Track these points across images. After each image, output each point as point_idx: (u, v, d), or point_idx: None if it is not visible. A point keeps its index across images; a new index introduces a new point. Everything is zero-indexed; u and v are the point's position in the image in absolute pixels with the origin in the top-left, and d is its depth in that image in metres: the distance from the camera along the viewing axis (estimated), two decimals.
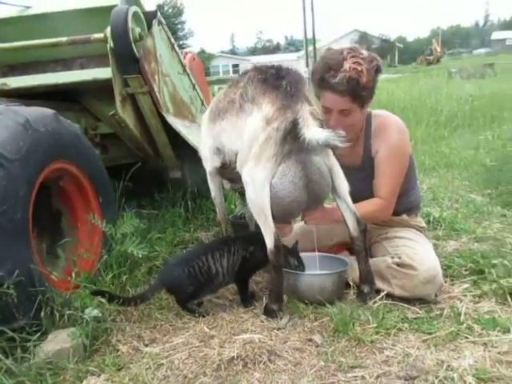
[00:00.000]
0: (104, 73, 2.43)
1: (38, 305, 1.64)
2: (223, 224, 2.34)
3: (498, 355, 1.46)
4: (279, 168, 1.73)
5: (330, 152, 1.83)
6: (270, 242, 1.78)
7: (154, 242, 2.55)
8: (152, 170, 3.12)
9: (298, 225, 2.31)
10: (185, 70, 2.98)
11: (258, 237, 1.94)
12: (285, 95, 1.72)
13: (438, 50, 39.43)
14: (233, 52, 73.32)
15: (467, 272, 2.04)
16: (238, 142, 1.85)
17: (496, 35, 57.79)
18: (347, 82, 1.86)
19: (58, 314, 1.69)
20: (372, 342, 1.59)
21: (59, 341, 1.59)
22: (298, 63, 34.76)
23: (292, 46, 76.06)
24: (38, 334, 1.61)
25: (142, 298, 1.84)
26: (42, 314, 1.64)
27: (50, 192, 2.19)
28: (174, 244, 2.65)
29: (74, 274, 1.85)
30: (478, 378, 1.37)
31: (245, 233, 2.20)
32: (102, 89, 2.49)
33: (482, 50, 48.91)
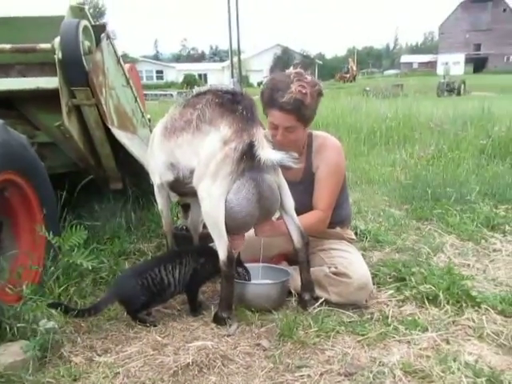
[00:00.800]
0: (49, 82, 2.40)
1: None
2: (169, 236, 2.42)
3: (420, 351, 1.72)
4: (234, 185, 1.87)
5: (279, 171, 2.02)
6: (222, 254, 1.90)
7: (99, 253, 2.56)
8: (92, 180, 3.10)
9: None
10: (128, 83, 3.02)
11: (208, 250, 2.07)
12: (241, 119, 1.88)
13: (354, 68, 41.97)
14: (156, 57, 72.03)
15: (391, 279, 2.32)
16: (193, 159, 1.96)
17: (404, 58, 62.89)
18: (293, 102, 2.06)
19: (8, 327, 1.67)
20: (314, 344, 1.78)
21: (11, 353, 1.59)
22: (222, 73, 35.18)
23: (217, 55, 76.53)
24: None
25: (96, 309, 1.87)
26: None
27: None
28: (118, 255, 2.67)
29: (24, 285, 1.83)
30: (404, 371, 1.60)
31: (196, 246, 2.30)
32: (43, 98, 2.47)
33: (392, 71, 52.86)
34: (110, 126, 2.64)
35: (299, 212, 2.14)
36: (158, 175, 2.22)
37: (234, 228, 1.95)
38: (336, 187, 2.29)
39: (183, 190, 2.17)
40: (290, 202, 2.05)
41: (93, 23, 2.56)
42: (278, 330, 1.88)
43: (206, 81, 35.12)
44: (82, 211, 3.03)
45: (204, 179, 1.89)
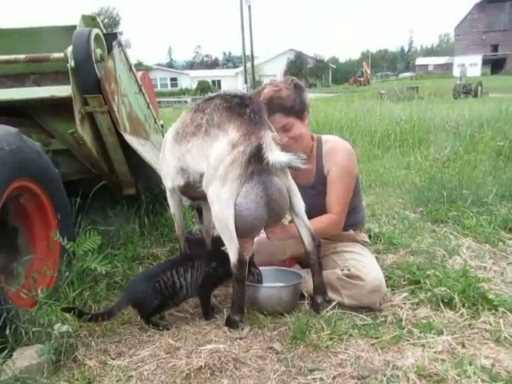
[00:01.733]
0: (63, 91, 2.45)
1: (2, 322, 1.64)
2: (181, 240, 2.44)
3: (434, 354, 1.69)
4: (243, 188, 1.88)
5: (289, 173, 2.01)
6: (233, 256, 1.91)
7: (113, 258, 2.59)
8: (105, 186, 3.14)
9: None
10: (140, 90, 3.06)
11: (220, 253, 2.07)
12: (249, 122, 1.88)
13: (368, 72, 41.80)
14: (170, 65, 72.81)
15: (405, 282, 2.29)
16: (202, 164, 1.98)
17: (420, 61, 62.28)
18: (269, 101, 2.12)
19: (23, 331, 1.70)
20: (327, 347, 1.76)
21: (27, 357, 1.61)
22: (236, 79, 35.38)
23: (230, 62, 77.01)
24: (5, 352, 1.62)
25: (109, 314, 1.89)
26: (7, 331, 1.65)
27: (7, 209, 2.18)
28: (132, 259, 2.69)
29: (39, 290, 1.85)
30: (418, 375, 1.58)
31: (208, 249, 2.31)
32: (57, 106, 2.51)
33: (407, 74, 52.47)
34: (122, 133, 2.67)
35: (313, 216, 2.14)
36: (170, 180, 2.24)
37: (243, 231, 1.95)
38: (348, 190, 2.28)
39: (194, 194, 2.18)
40: (300, 205, 2.05)
41: (105, 32, 2.61)
42: (290, 333, 1.87)
43: (219, 87, 35.35)
44: (96, 217, 3.07)
45: (213, 183, 1.90)
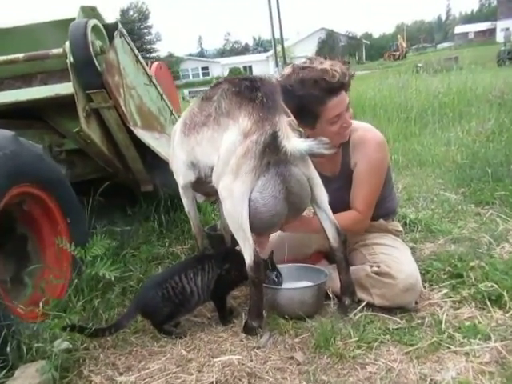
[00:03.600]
0: (67, 88, 2.33)
1: (3, 339, 1.55)
2: (199, 238, 2.28)
3: (481, 365, 1.45)
4: (258, 182, 1.68)
5: (310, 162, 1.80)
6: (249, 258, 1.73)
7: (128, 260, 2.48)
8: (123, 184, 3.04)
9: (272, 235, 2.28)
10: (151, 81, 2.90)
11: (233, 253, 1.90)
12: (261, 107, 1.68)
13: (404, 45, 40.14)
14: (201, 55, 72.92)
15: (446, 276, 2.03)
16: (213, 157, 1.79)
17: (459, 29, 59.16)
18: (343, 76, 1.89)
19: (25, 348, 1.60)
20: (354, 357, 1.56)
21: (27, 376, 1.51)
22: (267, 63, 34.93)
23: (260, 46, 76.09)
24: (5, 370, 1.52)
25: (117, 327, 1.76)
26: (8, 348, 1.55)
27: (13, 216, 2.09)
28: (148, 261, 2.57)
29: (41, 303, 1.75)
30: None
31: (220, 249, 2.13)
32: (65, 105, 2.39)
33: (446, 44, 50.02)
34: (132, 128, 2.54)
35: (336, 210, 1.92)
36: (182, 176, 2.07)
37: (261, 229, 1.78)
38: (376, 187, 2.04)
39: (207, 190, 2.01)
40: (323, 196, 1.83)
41: (105, 22, 2.45)
42: (313, 340, 1.68)
43: (251, 72, 35.03)
44: (114, 216, 2.98)
45: (224, 177, 1.72)
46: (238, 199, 1.68)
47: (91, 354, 1.74)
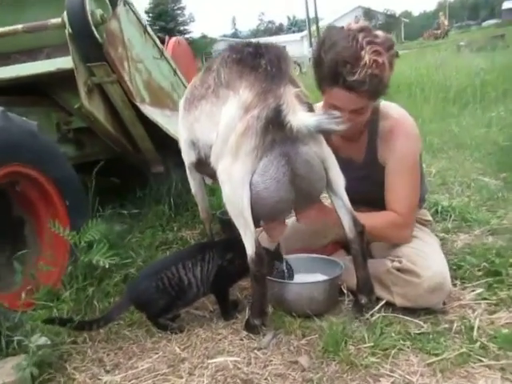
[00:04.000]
0: (68, 62, 2.17)
1: None
2: (206, 223, 2.11)
3: None
4: (260, 163, 1.47)
5: (322, 140, 1.57)
6: (250, 249, 1.53)
7: (133, 245, 2.34)
8: (133, 165, 2.89)
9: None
10: (162, 55, 2.71)
11: (237, 242, 1.70)
12: (265, 77, 1.45)
13: (446, 23, 38.22)
14: (235, 35, 72.22)
15: (481, 273, 1.78)
16: (212, 134, 1.58)
17: (507, 4, 55.71)
18: (370, 81, 1.53)
19: (5, 340, 1.48)
20: (366, 366, 1.34)
21: (2, 374, 1.38)
22: (301, 43, 34.14)
23: (295, 26, 74.43)
24: None
25: (107, 320, 1.61)
26: None
27: (8, 198, 1.98)
28: (156, 246, 2.42)
29: (24, 292, 1.63)
30: None
31: (222, 238, 1.95)
32: (70, 80, 2.25)
33: (492, 21, 47.20)
34: (138, 104, 2.37)
35: (355, 200, 1.69)
36: (185, 156, 1.90)
37: (264, 217, 1.59)
38: (415, 183, 1.76)
39: (209, 172, 1.82)
40: (339, 181, 1.59)
41: None
42: (321, 343, 1.47)
43: None
44: (124, 199, 2.84)
45: (223, 158, 1.52)
46: (238, 183, 1.48)
47: (79, 348, 1.61)
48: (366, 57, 1.52)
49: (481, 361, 1.31)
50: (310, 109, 1.50)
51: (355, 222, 1.60)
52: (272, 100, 1.41)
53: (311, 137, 1.48)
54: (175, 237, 2.53)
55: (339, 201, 1.62)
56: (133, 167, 2.93)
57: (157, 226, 2.59)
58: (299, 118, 1.37)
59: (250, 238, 1.53)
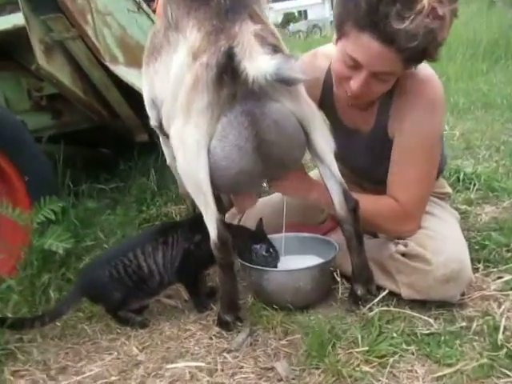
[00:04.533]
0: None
1: None
2: (187, 199, 1.85)
3: None
4: (218, 125, 1.16)
5: (300, 94, 1.23)
6: (212, 231, 1.24)
7: (110, 222, 2.09)
8: (117, 134, 2.62)
9: (267, 197, 1.77)
10: (140, 8, 2.38)
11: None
12: (217, 12, 1.13)
13: None
14: None
15: (510, 254, 1.44)
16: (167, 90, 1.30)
17: None
18: (423, 36, 1.11)
19: None
20: (356, 379, 1.05)
21: None
22: (323, 7, 32.80)
23: None
24: None
25: (52, 316, 1.37)
26: None
27: None
28: (138, 224, 2.16)
29: None
30: None
31: (189, 217, 1.66)
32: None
33: None
34: (107, 64, 2.07)
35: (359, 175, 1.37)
36: (150, 117, 1.62)
37: (227, 190, 1.32)
38: (430, 169, 1.37)
39: None
40: (326, 147, 1.26)
41: None
42: (304, 345, 1.19)
43: (305, 17, 33.03)
44: (106, 173, 2.59)
45: (174, 119, 1.22)
46: (192, 149, 1.17)
47: (26, 347, 1.37)
48: (424, 2, 1.10)
49: (508, 375, 0.99)
50: (275, 50, 1.09)
51: (346, 196, 1.28)
52: (224, 41, 1.09)
53: (284, 90, 1.16)
54: (159, 212, 2.26)
55: (326, 170, 1.29)
56: (116, 137, 2.67)
57: (140, 201, 2.32)
58: (257, 63, 1.03)
59: (210, 217, 1.24)
